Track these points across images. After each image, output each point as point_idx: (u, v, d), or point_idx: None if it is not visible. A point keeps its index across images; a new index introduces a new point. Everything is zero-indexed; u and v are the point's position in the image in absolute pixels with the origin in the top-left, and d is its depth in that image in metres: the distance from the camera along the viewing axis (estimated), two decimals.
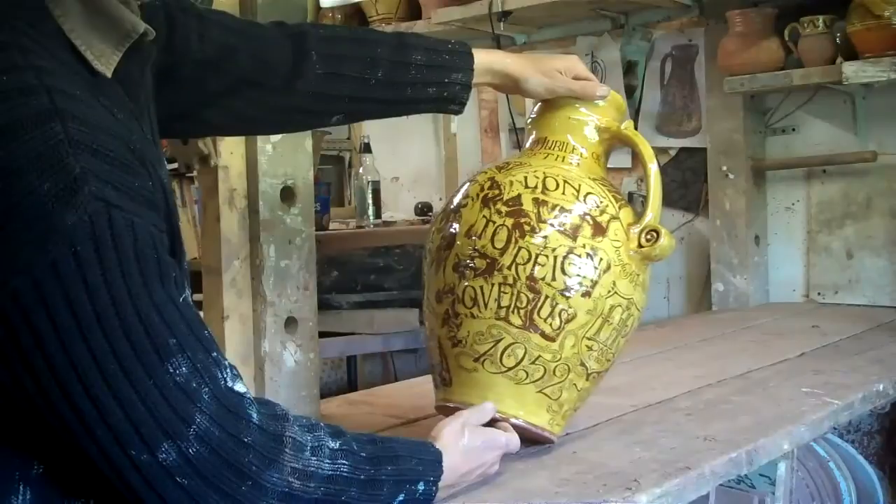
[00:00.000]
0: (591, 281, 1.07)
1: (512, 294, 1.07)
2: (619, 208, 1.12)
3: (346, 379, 2.82)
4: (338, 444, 0.83)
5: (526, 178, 1.12)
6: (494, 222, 1.09)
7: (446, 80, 1.16)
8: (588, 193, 1.11)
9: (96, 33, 0.82)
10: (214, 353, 0.78)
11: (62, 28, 0.80)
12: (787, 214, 2.47)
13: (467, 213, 1.12)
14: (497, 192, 1.12)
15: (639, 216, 1.13)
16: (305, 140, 1.41)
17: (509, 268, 1.07)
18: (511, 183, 1.12)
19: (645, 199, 1.14)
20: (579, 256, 1.07)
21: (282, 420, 0.81)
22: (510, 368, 1.08)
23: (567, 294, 1.06)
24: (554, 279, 1.06)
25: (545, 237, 1.07)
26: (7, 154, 0.71)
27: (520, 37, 2.83)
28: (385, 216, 3.05)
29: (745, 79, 2.27)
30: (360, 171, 2.95)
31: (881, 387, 1.48)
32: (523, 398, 1.09)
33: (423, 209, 3.09)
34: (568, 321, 1.07)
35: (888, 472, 1.96)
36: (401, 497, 0.87)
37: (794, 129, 2.43)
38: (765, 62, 2.24)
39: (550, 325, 1.06)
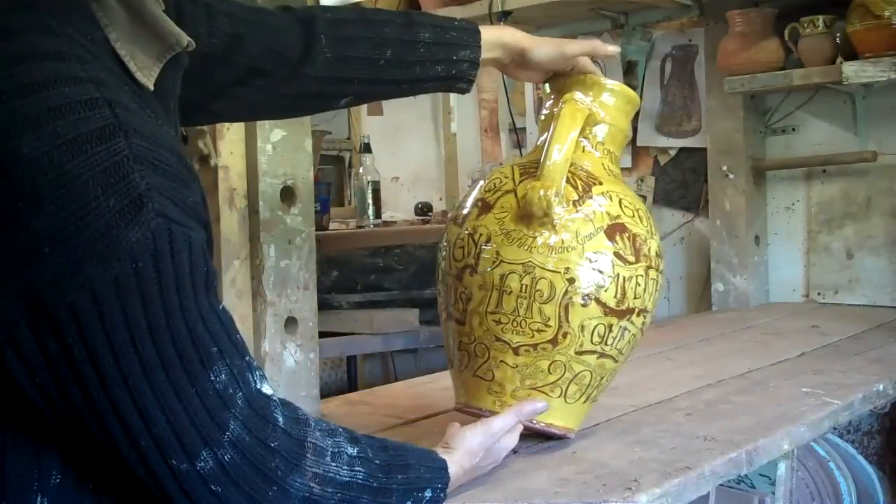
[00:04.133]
0: (474, 258, 1.08)
1: (440, 292, 1.15)
2: (521, 181, 1.09)
3: (346, 379, 2.82)
4: (355, 451, 0.84)
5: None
6: None
7: (454, 58, 1.14)
8: (491, 178, 1.13)
9: (140, 45, 0.81)
10: (247, 357, 0.79)
11: (108, 37, 0.79)
12: (787, 214, 2.47)
13: None
14: None
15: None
16: (305, 140, 1.41)
17: (437, 271, 1.16)
18: None
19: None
20: (462, 240, 1.10)
21: (304, 425, 0.81)
22: (450, 359, 1.15)
23: (459, 277, 1.10)
24: (450, 268, 1.11)
25: (446, 234, 1.14)
26: (73, 168, 0.69)
27: None
28: (385, 216, 3.05)
29: (745, 79, 2.26)
30: (360, 171, 2.95)
31: (881, 387, 1.48)
32: (466, 384, 1.13)
33: (423, 209, 3.09)
34: (467, 301, 1.09)
35: (888, 472, 1.96)
36: (408, 502, 0.89)
37: (794, 129, 2.43)
38: (765, 62, 2.24)
39: (459, 310, 1.11)
